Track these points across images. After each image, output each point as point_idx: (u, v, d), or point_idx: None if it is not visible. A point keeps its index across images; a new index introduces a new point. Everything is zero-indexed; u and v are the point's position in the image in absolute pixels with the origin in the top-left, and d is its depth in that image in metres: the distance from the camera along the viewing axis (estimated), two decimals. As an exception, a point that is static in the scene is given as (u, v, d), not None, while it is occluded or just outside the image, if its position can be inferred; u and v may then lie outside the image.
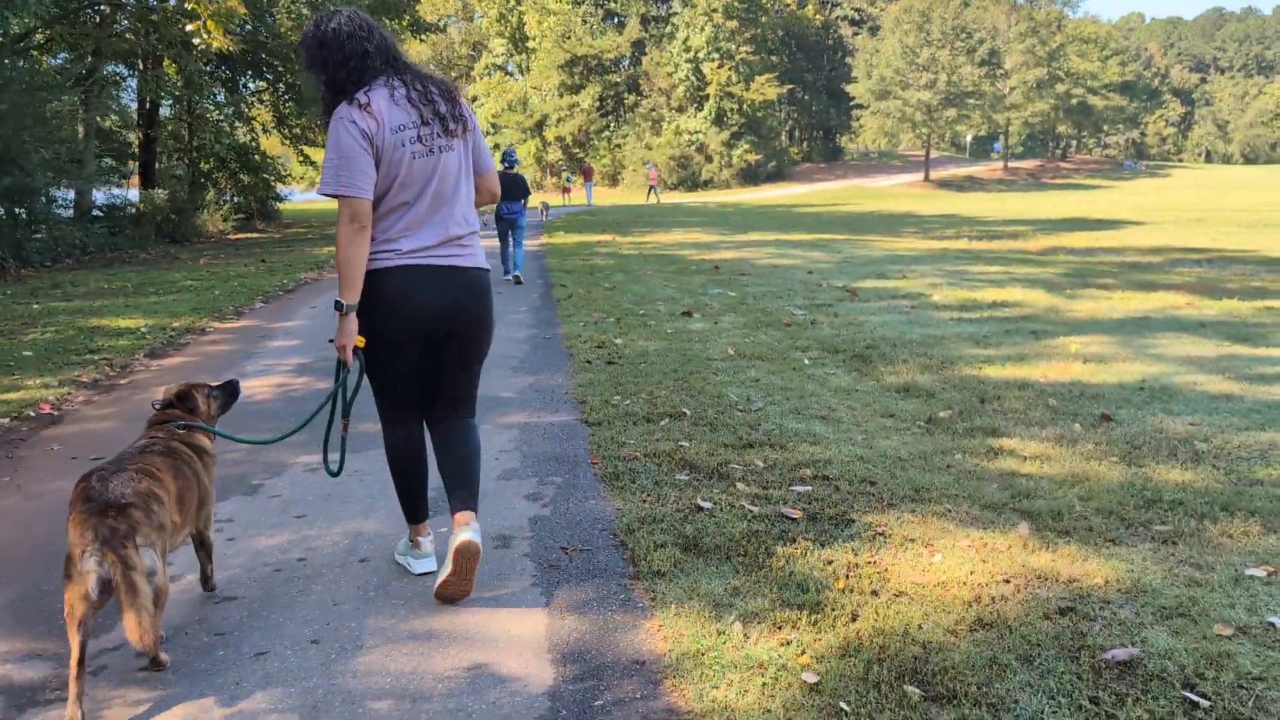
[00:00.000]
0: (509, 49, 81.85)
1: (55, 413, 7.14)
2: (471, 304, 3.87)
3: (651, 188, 53.71)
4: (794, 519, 4.55)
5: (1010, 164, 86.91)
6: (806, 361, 8.38)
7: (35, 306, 13.21)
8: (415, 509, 4.14)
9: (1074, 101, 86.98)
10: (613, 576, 3.99)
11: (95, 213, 27.11)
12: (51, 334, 10.67)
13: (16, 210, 20.04)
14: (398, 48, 3.80)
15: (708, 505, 4.71)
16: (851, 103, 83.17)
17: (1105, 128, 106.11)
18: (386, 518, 4.78)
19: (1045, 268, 17.04)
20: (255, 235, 30.30)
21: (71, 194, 27.55)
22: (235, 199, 33.74)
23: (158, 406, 3.87)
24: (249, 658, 3.43)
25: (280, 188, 41.09)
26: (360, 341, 3.72)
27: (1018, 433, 6.03)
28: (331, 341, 3.82)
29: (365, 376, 3.90)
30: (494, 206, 16.88)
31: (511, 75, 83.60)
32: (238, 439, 4.25)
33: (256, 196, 34.23)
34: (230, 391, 4.09)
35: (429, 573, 4.09)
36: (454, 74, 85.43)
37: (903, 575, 3.93)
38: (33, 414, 7.03)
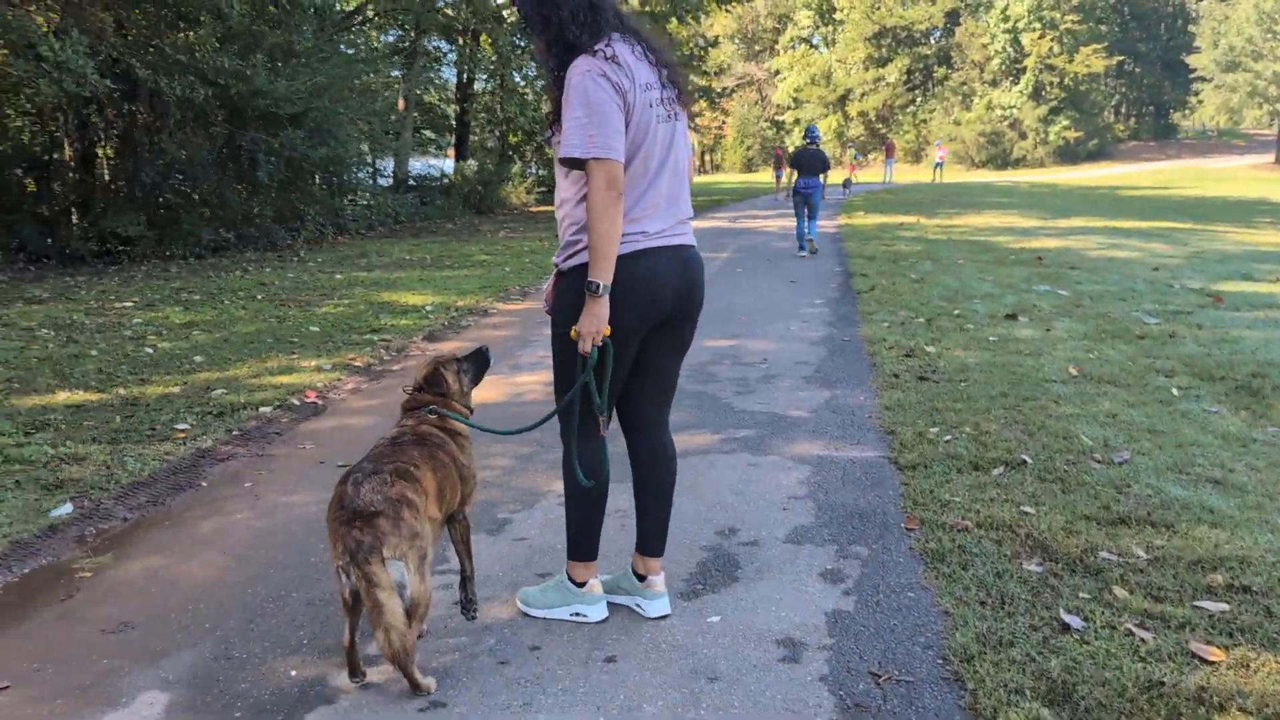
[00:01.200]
0: (815, 21, 79.90)
1: (319, 402, 6.74)
2: (699, 286, 3.49)
3: (937, 165, 50.53)
4: (1212, 663, 3.17)
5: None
6: (1175, 391, 6.71)
7: (338, 277, 13.44)
8: (595, 542, 3.59)
9: None
10: (946, 739, 2.81)
11: (410, 182, 28.32)
12: (344, 308, 10.61)
13: (334, 179, 20.93)
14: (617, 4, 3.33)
15: (1077, 624, 3.41)
16: (1191, 75, 74.99)
17: None
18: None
19: None
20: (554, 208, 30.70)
21: (390, 164, 28.97)
22: (539, 171, 34.48)
23: (409, 390, 3.52)
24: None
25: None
26: (607, 331, 3.19)
27: None
28: (572, 330, 3.23)
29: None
30: (792, 180, 16.34)
31: (816, 48, 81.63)
32: (484, 429, 3.63)
33: (561, 169, 34.78)
34: (480, 361, 3.69)
35: (606, 619, 3.57)
36: (757, 47, 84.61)
37: None
38: (297, 402, 6.65)
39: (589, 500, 3.49)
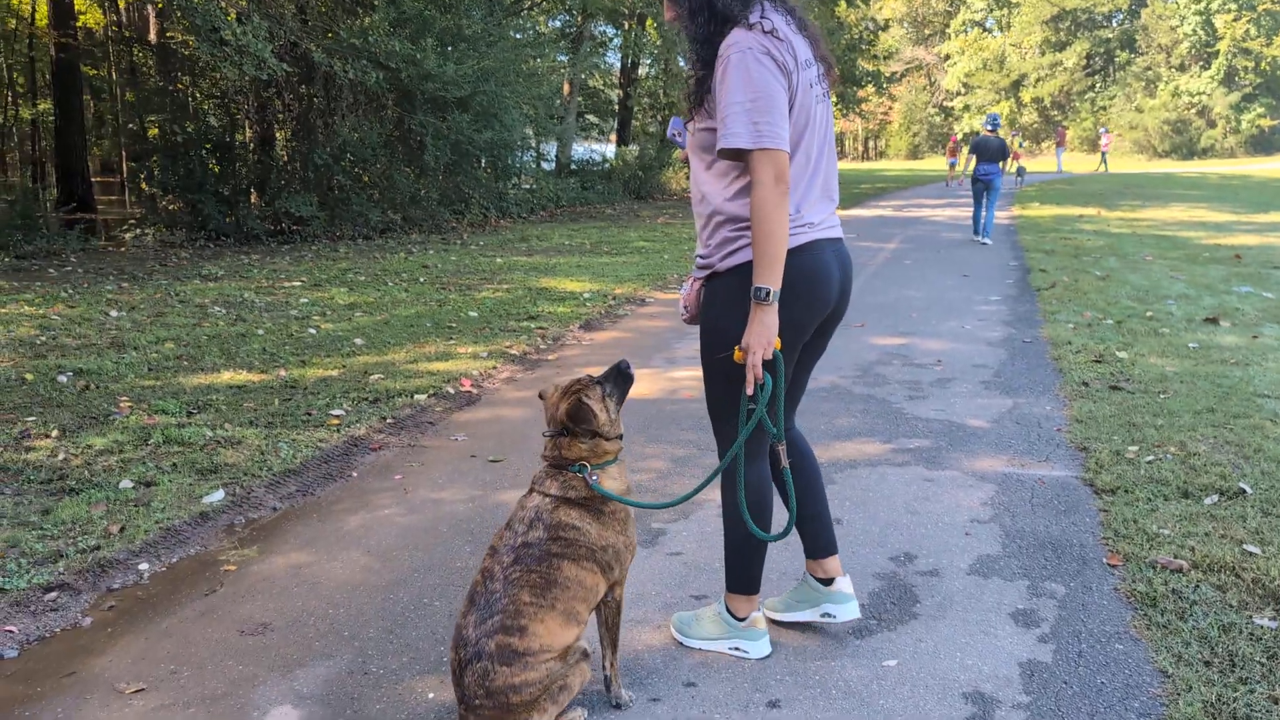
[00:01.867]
0: (990, 4, 76.80)
1: (474, 391, 6.61)
2: (850, 280, 3.14)
3: (1103, 155, 47.68)
4: None
5: None
6: None
7: (499, 261, 13.46)
8: (759, 574, 3.22)
9: None
10: (1176, 839, 2.36)
11: (571, 167, 28.48)
12: (503, 293, 10.55)
13: (498, 163, 21.13)
14: None
15: (1329, 699, 2.89)
16: None
17: None
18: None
19: None
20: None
21: (553, 148, 29.18)
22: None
23: (549, 434, 2.93)
24: None
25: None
26: (778, 344, 2.83)
27: None
28: (735, 352, 2.86)
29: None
30: (969, 168, 15.93)
31: (989, 32, 78.49)
32: (638, 504, 3.02)
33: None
34: (623, 380, 3.01)
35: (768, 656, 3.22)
36: (926, 31, 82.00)
37: None
38: (451, 391, 6.53)
39: (755, 523, 3.07)
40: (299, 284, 11.03)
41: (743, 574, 3.19)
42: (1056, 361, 7.34)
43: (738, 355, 2.83)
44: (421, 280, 11.44)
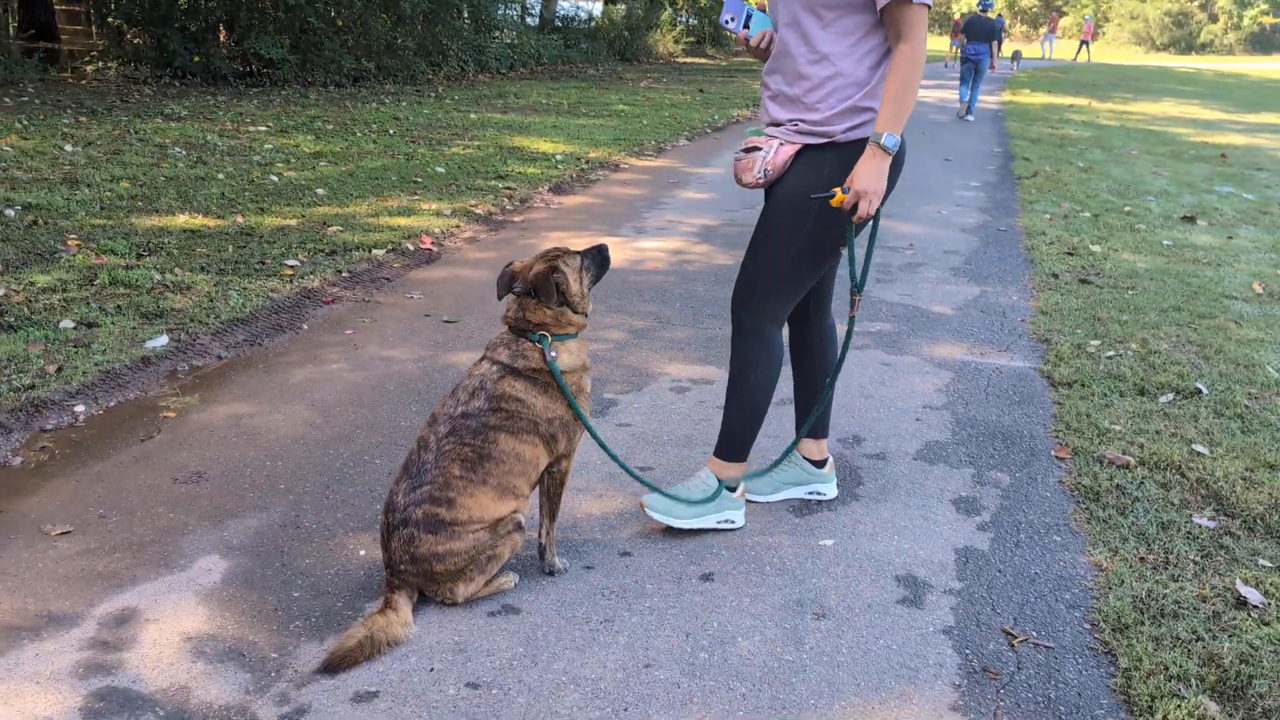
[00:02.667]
0: (999, -125, 74.06)
1: (434, 249, 6.46)
2: None
3: (1084, 43, 46.47)
4: None
5: None
6: (1379, 324, 5.88)
7: (472, 116, 13.10)
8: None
9: None
10: (1089, 729, 2.38)
11: (556, 23, 27.58)
12: (473, 150, 10.28)
13: (480, 15, 20.42)
14: None
15: (1256, 599, 2.90)
16: None
17: None
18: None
19: None
20: (702, 60, 29.64)
21: (538, 3, 28.21)
22: (689, 20, 33.24)
23: (518, 291, 2.82)
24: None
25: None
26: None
27: None
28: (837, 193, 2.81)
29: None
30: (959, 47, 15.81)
31: (996, -95, 75.88)
32: (624, 466, 3.08)
33: (711, 20, 33.55)
34: (600, 262, 2.97)
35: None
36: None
37: None
38: (411, 247, 6.38)
39: (769, 394, 3.15)
40: (265, 129, 10.69)
41: (748, 440, 3.19)
42: (1029, 252, 7.26)
43: (838, 199, 2.79)
44: (391, 132, 11.12)
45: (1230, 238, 8.13)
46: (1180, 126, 17.62)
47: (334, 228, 6.61)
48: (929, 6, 2.76)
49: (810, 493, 3.40)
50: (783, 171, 2.96)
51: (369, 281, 5.66)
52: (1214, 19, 62.48)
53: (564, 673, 2.47)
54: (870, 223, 2.94)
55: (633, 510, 3.29)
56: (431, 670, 2.46)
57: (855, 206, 2.82)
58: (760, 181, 2.98)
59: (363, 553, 2.97)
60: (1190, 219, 8.80)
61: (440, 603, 2.71)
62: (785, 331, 3.28)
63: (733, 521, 3.19)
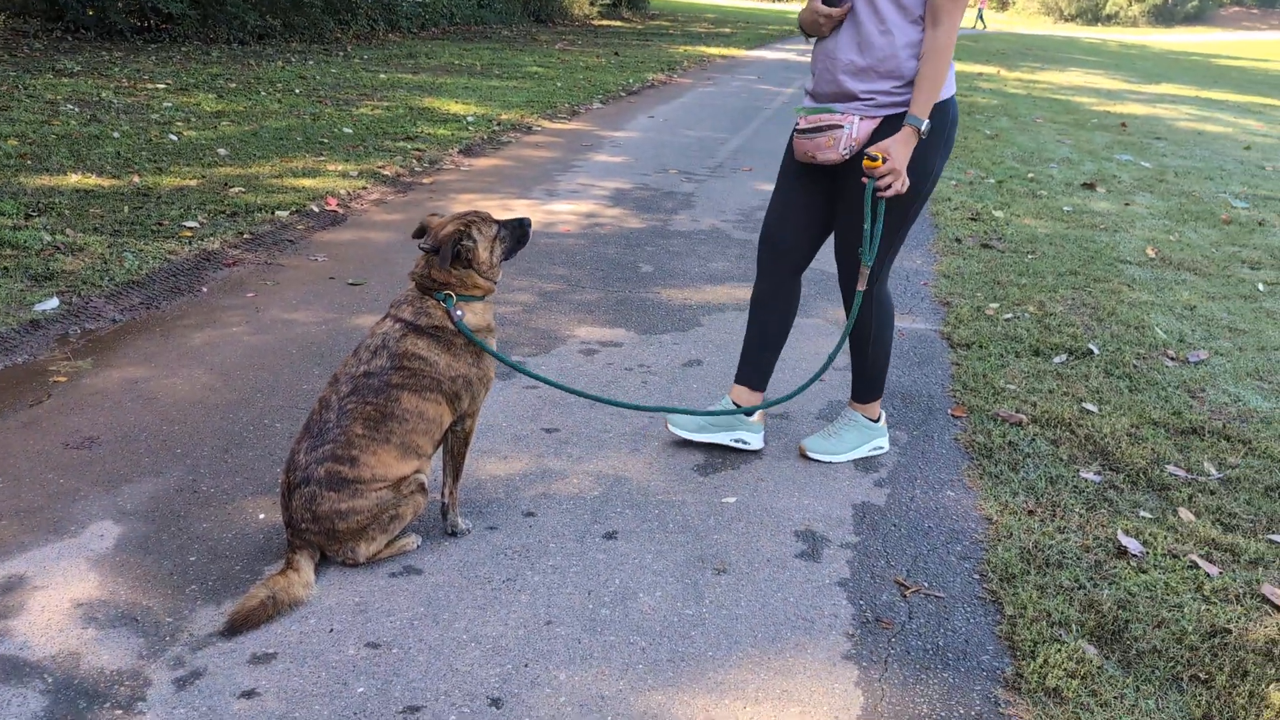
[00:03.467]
0: None
1: (340, 210, 6.34)
2: None
3: (979, 11, 47.18)
4: (1286, 612, 2.80)
5: None
6: (1261, 287, 6.14)
7: (382, 76, 12.84)
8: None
9: None
10: (975, 676, 2.46)
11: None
12: (382, 110, 10.08)
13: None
14: None
15: (1135, 548, 3.03)
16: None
17: None
18: (660, 453, 3.48)
19: None
20: (618, 24, 29.41)
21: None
22: (605, -17, 32.94)
23: (426, 248, 2.78)
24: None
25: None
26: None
27: None
28: (876, 163, 2.97)
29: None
30: None
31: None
32: (558, 386, 3.16)
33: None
34: (519, 235, 2.95)
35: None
36: None
37: None
38: (316, 209, 6.26)
39: (891, 335, 3.49)
40: (163, 87, 10.34)
41: (882, 379, 3.53)
42: (934, 217, 7.39)
43: (876, 165, 2.94)
44: (297, 91, 10.84)
45: (1127, 204, 8.38)
46: (1084, 96, 18.05)
47: (236, 188, 6.45)
48: None
49: (735, 440, 3.50)
50: (865, 145, 3.07)
51: (272, 244, 5.54)
52: (1120, -9, 64.19)
53: (465, 631, 2.48)
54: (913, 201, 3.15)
55: (538, 471, 3.31)
56: (331, 631, 2.45)
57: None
58: (845, 157, 3.09)
59: (262, 516, 2.93)
60: (1090, 186, 9.05)
61: (342, 563, 2.70)
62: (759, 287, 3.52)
63: (881, 447, 3.58)
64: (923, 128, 2.95)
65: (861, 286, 3.21)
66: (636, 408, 3.28)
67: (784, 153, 3.43)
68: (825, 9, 3.05)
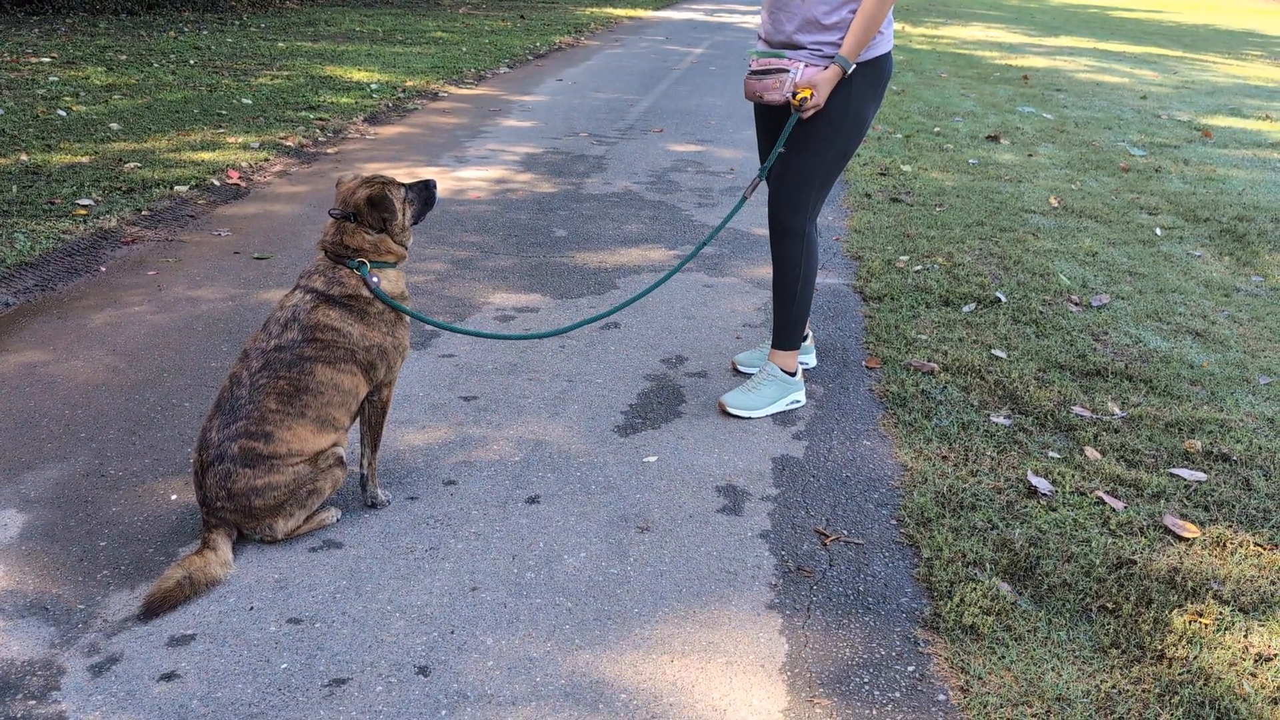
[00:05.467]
0: None
1: (242, 184, 6.17)
2: None
3: None
4: (1186, 540, 2.91)
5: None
6: (1158, 231, 6.34)
7: (280, 45, 12.48)
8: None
9: None
10: (894, 617, 2.52)
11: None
12: (282, 80, 9.81)
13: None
14: None
15: (1045, 488, 3.13)
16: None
17: None
18: (580, 416, 3.47)
19: None
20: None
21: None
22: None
23: (336, 215, 2.74)
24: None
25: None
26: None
27: None
28: (802, 99, 3.21)
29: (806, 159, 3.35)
30: None
31: None
32: (459, 330, 3.08)
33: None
34: (428, 197, 2.94)
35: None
36: None
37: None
38: (217, 183, 6.08)
39: (814, 282, 3.57)
40: (49, 60, 9.91)
41: (801, 328, 3.61)
42: (845, 173, 7.47)
43: (805, 92, 3.18)
44: (192, 63, 10.49)
45: (1030, 155, 8.56)
46: (987, 50, 18.32)
47: (131, 164, 6.23)
48: None
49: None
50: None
51: (172, 220, 5.37)
52: (1016, -54, 65.41)
53: (389, 602, 2.46)
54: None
55: (457, 439, 3.28)
56: (251, 609, 2.41)
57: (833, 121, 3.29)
58: (789, 99, 3.28)
59: (174, 497, 2.86)
60: (994, 138, 9.21)
61: (260, 541, 2.65)
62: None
63: (799, 401, 3.64)
64: (849, 69, 3.19)
65: (748, 195, 3.41)
66: (571, 328, 3.29)
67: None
68: None
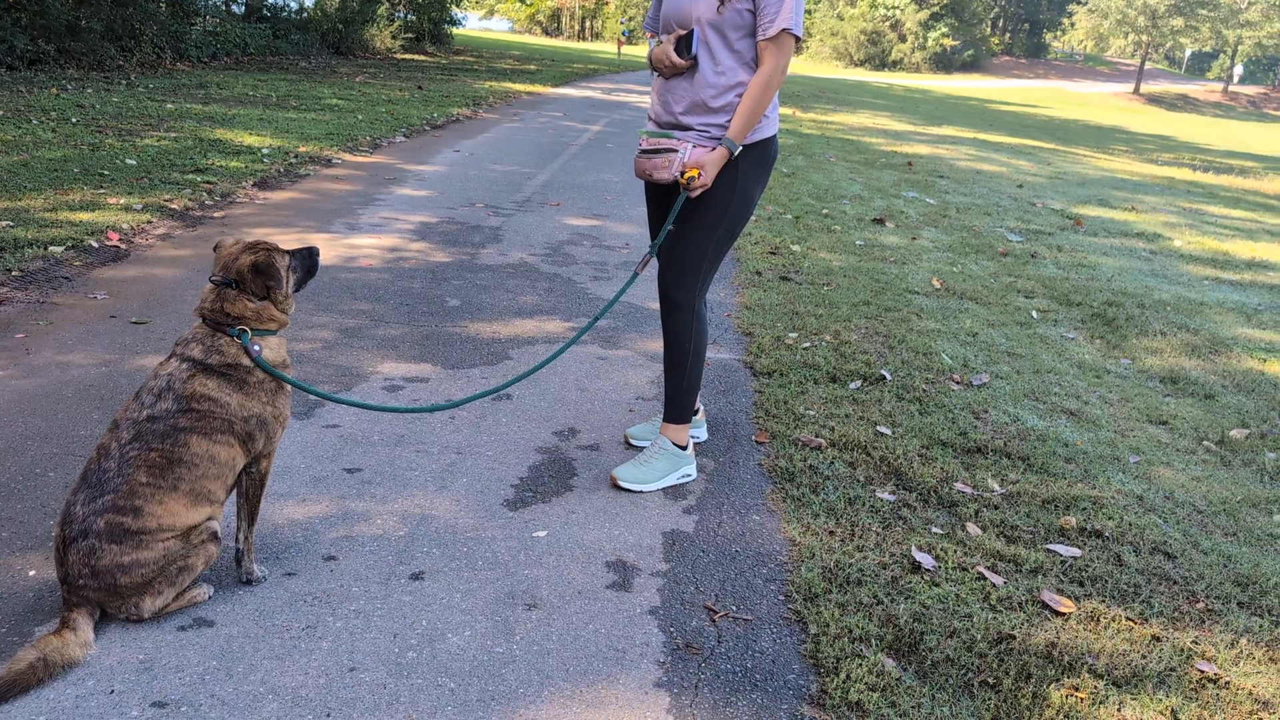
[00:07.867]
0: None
1: (122, 246, 5.98)
2: None
3: (622, 38, 50.95)
4: (1063, 614, 2.98)
5: (1231, 88, 78.71)
6: (1034, 314, 6.60)
7: (169, 106, 12.25)
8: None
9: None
10: (781, 695, 2.51)
11: (264, 12, 26.27)
12: (169, 142, 9.61)
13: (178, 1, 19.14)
14: None
15: (929, 563, 3.17)
16: (1067, -4, 76.28)
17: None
18: (468, 490, 3.41)
19: (1299, 220, 14.39)
20: (421, 58, 29.09)
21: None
22: (407, 16, 32.60)
23: (217, 281, 2.66)
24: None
25: (456, 11, 39.67)
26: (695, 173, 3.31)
27: (1356, 488, 4.26)
28: (690, 178, 3.30)
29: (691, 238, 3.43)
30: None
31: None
32: (365, 405, 2.92)
33: (430, 17, 33.05)
34: (311, 263, 2.87)
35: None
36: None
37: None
38: (95, 244, 5.88)
39: (704, 358, 3.63)
40: (-80, 113, 9.54)
41: (692, 403, 3.64)
42: (736, 251, 7.61)
43: (693, 171, 3.27)
44: (74, 121, 10.20)
45: (914, 238, 8.87)
46: (873, 136, 19.05)
47: (3, 223, 5.98)
48: (797, 39, 3.25)
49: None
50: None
51: (45, 281, 5.16)
52: (903, 39, 68.11)
53: (262, 683, 2.35)
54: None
55: (339, 513, 3.18)
56: (112, 692, 2.27)
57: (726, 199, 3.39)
58: (677, 178, 3.37)
59: (32, 573, 2.70)
60: (880, 221, 9.53)
61: (125, 620, 2.51)
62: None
63: (690, 475, 3.65)
64: (736, 150, 3.29)
65: (639, 271, 3.48)
66: (462, 402, 3.27)
67: None
68: (675, 59, 3.33)
